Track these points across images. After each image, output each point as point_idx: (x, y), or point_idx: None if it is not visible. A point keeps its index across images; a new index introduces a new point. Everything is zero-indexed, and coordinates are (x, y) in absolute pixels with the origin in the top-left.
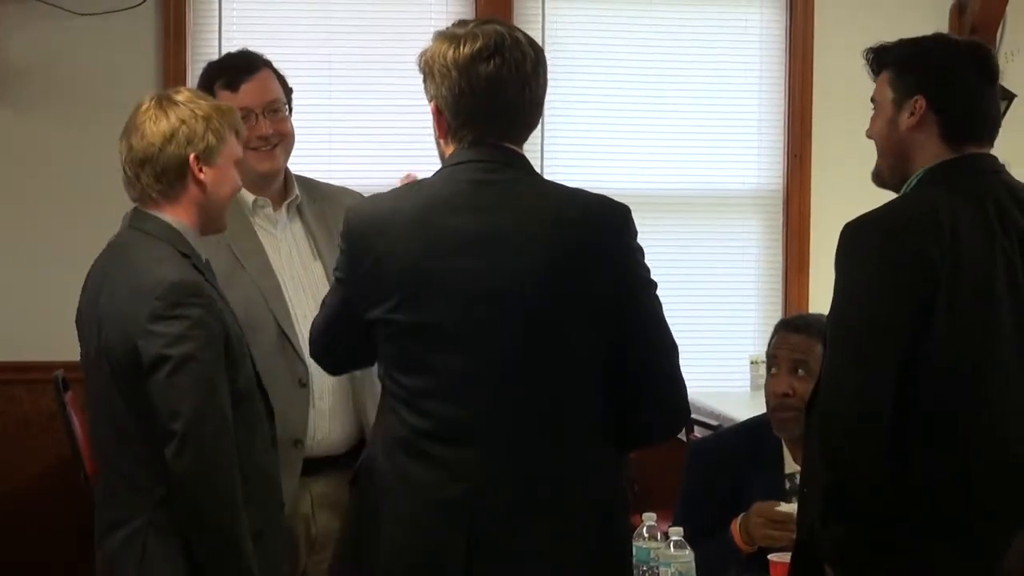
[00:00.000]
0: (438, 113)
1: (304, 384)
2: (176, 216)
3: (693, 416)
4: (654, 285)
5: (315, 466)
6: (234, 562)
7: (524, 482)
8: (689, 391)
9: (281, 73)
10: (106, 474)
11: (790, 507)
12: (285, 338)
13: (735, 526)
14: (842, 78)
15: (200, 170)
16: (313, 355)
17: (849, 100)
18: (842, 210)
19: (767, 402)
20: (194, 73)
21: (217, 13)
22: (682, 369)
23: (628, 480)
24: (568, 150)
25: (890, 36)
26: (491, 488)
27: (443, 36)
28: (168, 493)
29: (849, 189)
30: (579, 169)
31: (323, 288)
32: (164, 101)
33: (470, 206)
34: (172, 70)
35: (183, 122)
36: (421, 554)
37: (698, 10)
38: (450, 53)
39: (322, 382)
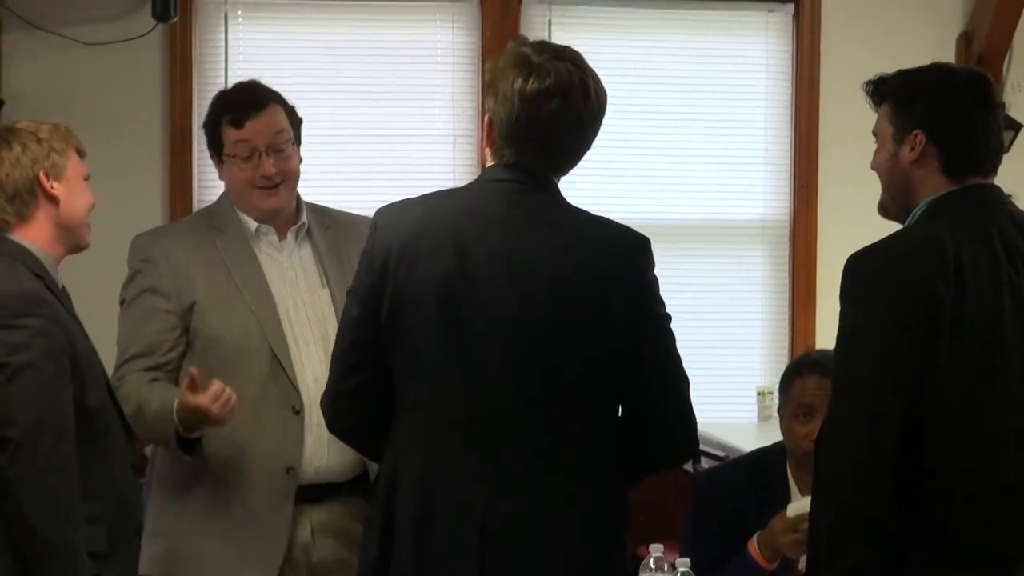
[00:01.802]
0: (490, 125)
1: (298, 411)
2: (31, 239)
3: (700, 447)
4: (668, 318)
5: (315, 494)
6: (66, 572)
7: (534, 520)
8: (698, 421)
9: (290, 105)
10: None
11: (801, 503)
12: (279, 365)
13: (753, 546)
14: (849, 108)
15: (52, 186)
16: (324, 400)
17: (856, 130)
18: (849, 240)
19: (795, 447)
20: (200, 102)
21: (223, 43)
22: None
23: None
24: (573, 178)
25: (897, 65)
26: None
27: (519, 58)
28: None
29: (856, 219)
30: (584, 197)
31: (329, 315)
32: (4, 132)
33: (495, 223)
34: (178, 100)
35: (24, 146)
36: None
37: (704, 39)
38: (518, 83)
39: (316, 408)
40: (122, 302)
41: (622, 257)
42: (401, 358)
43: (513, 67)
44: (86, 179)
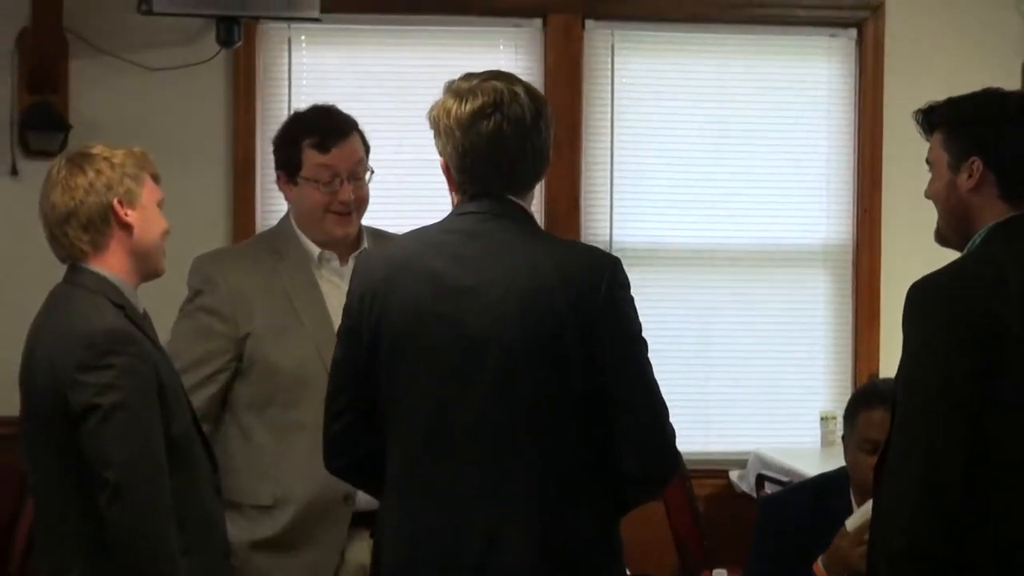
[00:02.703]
0: (447, 168)
1: None
2: (108, 267)
3: (763, 472)
4: (642, 341)
5: (369, 519)
6: None
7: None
8: (759, 446)
9: (363, 132)
10: (42, 526)
11: (860, 513)
12: None
13: (819, 568)
14: (912, 133)
15: (126, 213)
16: (323, 443)
17: (920, 153)
18: (913, 265)
19: (861, 479)
20: (264, 127)
21: (287, 67)
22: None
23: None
24: (636, 202)
25: (961, 89)
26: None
27: (449, 92)
28: (102, 543)
29: (920, 244)
30: (646, 222)
31: None
32: (77, 157)
33: (456, 255)
34: (242, 124)
35: (99, 172)
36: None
37: (766, 62)
38: (454, 110)
39: None
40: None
41: (587, 280)
42: (383, 396)
43: (446, 101)
44: (160, 204)
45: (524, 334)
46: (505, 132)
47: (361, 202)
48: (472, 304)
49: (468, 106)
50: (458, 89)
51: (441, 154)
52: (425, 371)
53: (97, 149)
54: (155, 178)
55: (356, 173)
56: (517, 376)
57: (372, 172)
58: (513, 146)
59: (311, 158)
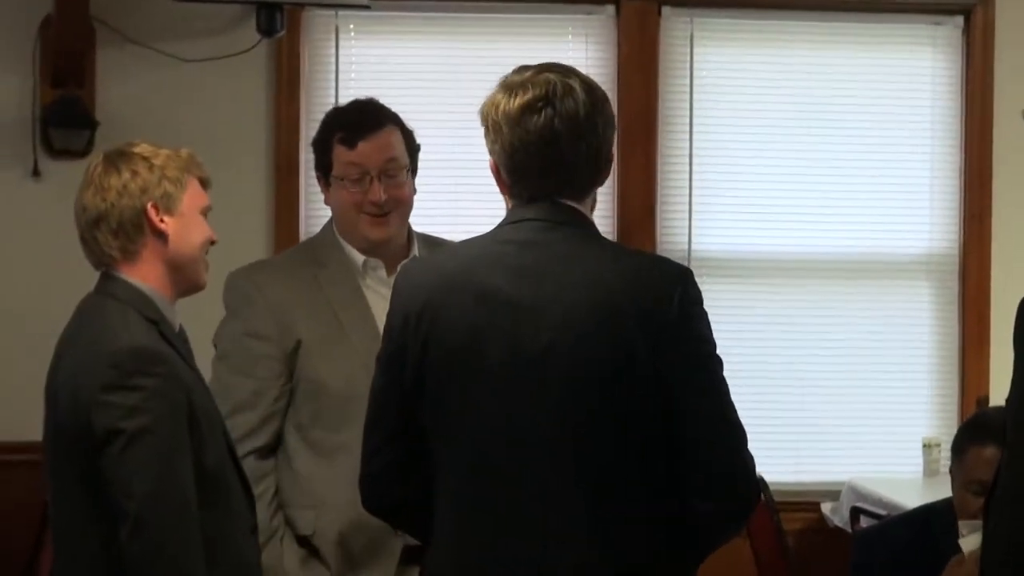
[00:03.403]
0: (496, 170)
1: None
2: (142, 278)
3: (859, 504)
4: (716, 360)
5: (420, 554)
6: None
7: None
8: (854, 476)
9: (409, 128)
10: (60, 556)
11: (972, 539)
12: None
13: None
14: None
15: (161, 220)
16: (360, 480)
17: None
18: None
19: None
20: (309, 123)
21: (334, 59)
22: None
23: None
24: (717, 208)
25: None
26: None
27: (501, 85)
28: None
29: None
30: (729, 230)
31: None
32: (115, 155)
33: (513, 268)
34: (285, 120)
35: (135, 173)
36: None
37: (863, 53)
38: (502, 104)
39: None
40: (216, 346)
41: (656, 292)
42: (431, 426)
43: (496, 94)
44: (206, 212)
45: (587, 353)
46: (556, 129)
47: (399, 203)
48: (531, 321)
49: (517, 100)
50: (509, 82)
51: (490, 153)
52: (480, 395)
53: (139, 148)
54: (204, 183)
55: (389, 170)
56: (580, 399)
57: (409, 170)
58: (566, 144)
59: (339, 155)
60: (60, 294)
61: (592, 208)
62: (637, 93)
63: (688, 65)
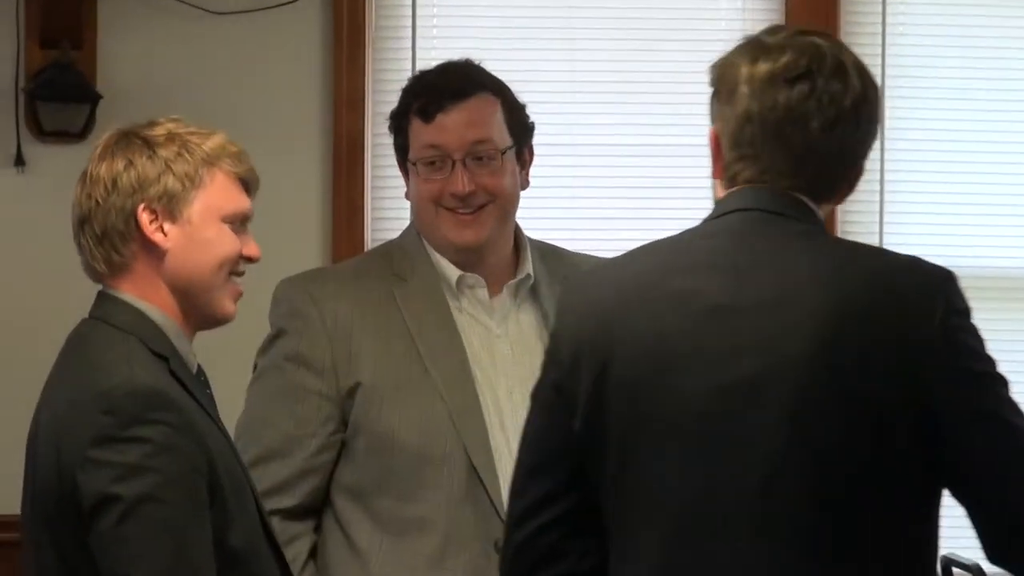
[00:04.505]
0: (716, 143)
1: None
2: (147, 298)
3: None
4: (1000, 381)
5: None
6: None
7: None
8: None
9: (517, 100)
10: None
11: None
12: (477, 479)
13: None
14: None
15: (159, 228)
16: (504, 553)
17: None
18: None
19: None
20: (376, 95)
21: (410, 12)
22: None
23: None
24: (912, 211)
25: None
26: None
27: (745, 44)
28: None
29: None
30: (927, 237)
31: None
32: (122, 135)
33: (718, 267)
34: (345, 86)
35: (130, 163)
36: None
37: None
38: (744, 67)
39: None
40: (255, 368)
41: (912, 302)
42: (609, 479)
43: (737, 53)
44: (240, 220)
45: (821, 376)
46: (810, 108)
47: (496, 194)
48: (745, 334)
49: (767, 63)
50: (758, 42)
51: (713, 121)
52: (680, 430)
53: (158, 127)
54: (241, 182)
55: (477, 151)
56: (811, 432)
57: (513, 153)
58: (817, 130)
59: (416, 131)
60: (50, 320)
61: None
62: None
63: (880, 26)
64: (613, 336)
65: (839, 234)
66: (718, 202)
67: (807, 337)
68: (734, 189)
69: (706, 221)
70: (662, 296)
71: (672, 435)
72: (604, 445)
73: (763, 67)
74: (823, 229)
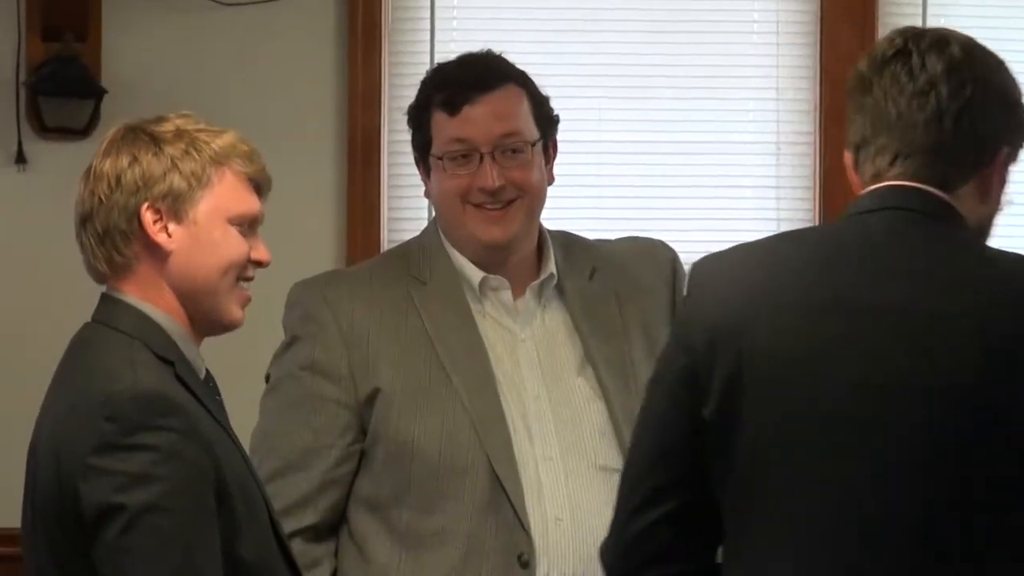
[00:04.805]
0: (852, 151)
1: (526, 563)
2: (151, 301)
3: None
4: None
5: None
6: None
7: None
8: None
9: (541, 93)
10: None
11: None
12: (500, 489)
13: None
14: None
15: (163, 228)
16: (609, 549)
17: None
18: None
19: None
20: (392, 89)
21: (429, 2)
22: None
23: None
24: None
25: None
26: None
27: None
28: None
29: None
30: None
31: (589, 414)
32: (128, 130)
33: (876, 267)
34: (360, 80)
35: (134, 160)
36: None
37: None
38: (864, 61)
39: (558, 562)
40: (268, 380)
41: None
42: (736, 475)
43: (880, 44)
44: (249, 223)
45: (994, 379)
46: (943, 94)
47: (524, 190)
48: (895, 337)
49: (880, 50)
50: (902, 31)
51: (850, 130)
52: (819, 431)
53: (167, 123)
54: (251, 182)
55: (507, 145)
56: (955, 440)
57: (541, 146)
58: (946, 106)
59: (439, 125)
60: (51, 324)
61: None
62: (846, 49)
63: (920, 7)
64: (756, 325)
65: None
66: (861, 198)
67: (967, 348)
68: (872, 189)
69: (846, 216)
70: (810, 291)
71: (810, 435)
72: (734, 436)
73: (877, 52)
74: (966, 228)
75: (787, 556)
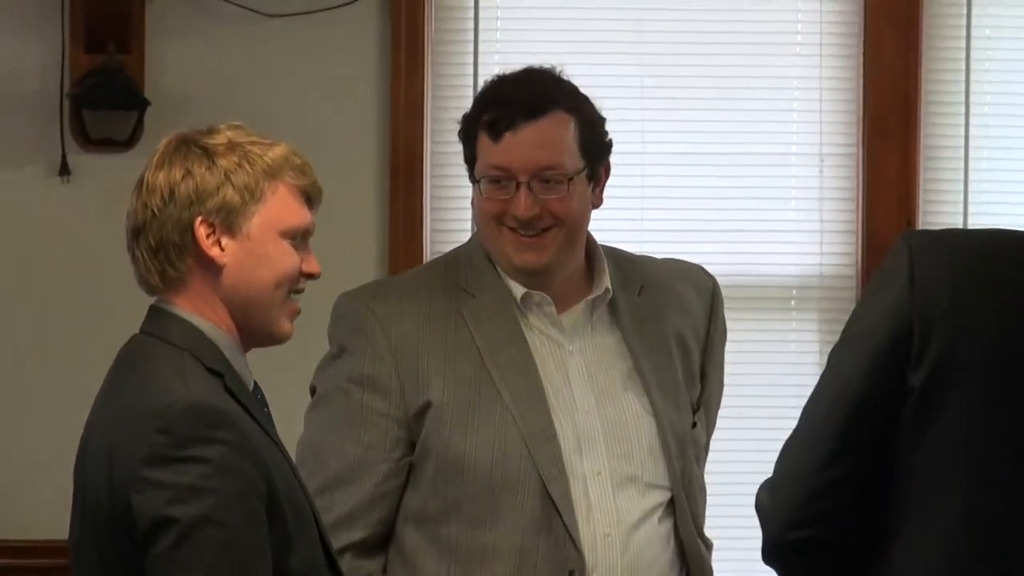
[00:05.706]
0: None
1: None
2: (201, 313)
3: None
4: None
5: None
6: None
7: None
8: None
9: (596, 114)
10: None
11: None
12: (552, 507)
13: None
14: None
15: (216, 242)
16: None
17: None
18: None
19: None
20: (435, 100)
21: (472, 13)
22: None
23: None
24: (999, 213)
25: None
26: None
27: None
28: None
29: None
30: None
31: (640, 430)
32: (181, 141)
33: None
34: (403, 91)
35: (188, 173)
36: None
37: None
38: None
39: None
40: (313, 391)
41: None
42: (922, 452)
43: None
44: (301, 236)
45: None
46: None
47: (561, 219)
48: None
49: None
50: None
51: None
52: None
53: (219, 135)
54: (303, 195)
55: (544, 175)
56: None
57: (586, 177)
58: None
59: (483, 146)
60: (96, 336)
61: None
62: (889, 60)
63: (964, 20)
64: (976, 308)
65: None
66: None
67: None
68: None
69: None
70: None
71: (1013, 427)
72: (931, 414)
73: None
74: None
75: (939, 547)
